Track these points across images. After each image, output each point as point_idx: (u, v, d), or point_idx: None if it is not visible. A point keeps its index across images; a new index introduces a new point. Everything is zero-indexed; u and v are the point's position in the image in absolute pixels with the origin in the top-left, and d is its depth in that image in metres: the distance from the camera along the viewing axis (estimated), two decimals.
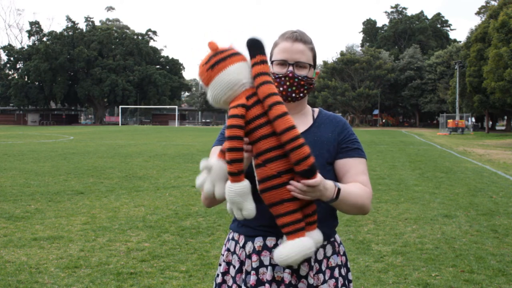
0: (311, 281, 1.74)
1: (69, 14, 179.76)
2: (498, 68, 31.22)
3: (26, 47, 75.58)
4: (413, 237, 5.85)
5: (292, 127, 1.50)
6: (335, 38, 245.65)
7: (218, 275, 1.90)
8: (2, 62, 77.34)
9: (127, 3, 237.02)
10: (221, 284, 1.87)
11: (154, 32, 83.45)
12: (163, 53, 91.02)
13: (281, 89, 1.78)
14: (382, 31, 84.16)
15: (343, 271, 1.86)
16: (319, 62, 76.32)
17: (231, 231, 1.92)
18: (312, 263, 1.76)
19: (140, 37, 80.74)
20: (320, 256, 1.79)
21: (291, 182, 1.52)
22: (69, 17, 76.38)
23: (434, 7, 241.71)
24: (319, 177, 1.53)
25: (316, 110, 1.94)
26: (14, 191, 8.92)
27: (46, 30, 77.67)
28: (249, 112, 1.54)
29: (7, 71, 75.72)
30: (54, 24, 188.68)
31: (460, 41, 70.07)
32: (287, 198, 1.54)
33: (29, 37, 76.12)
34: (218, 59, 1.56)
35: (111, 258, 4.90)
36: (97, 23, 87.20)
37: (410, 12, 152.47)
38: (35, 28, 75.69)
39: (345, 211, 1.75)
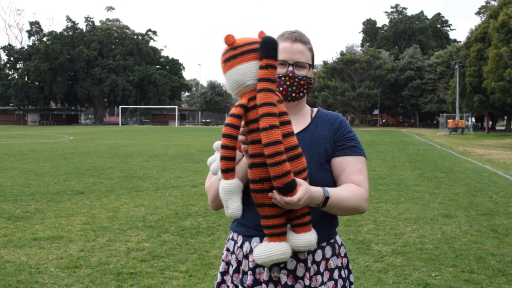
0: (307, 282, 1.73)
1: (69, 14, 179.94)
2: (498, 68, 31.22)
3: (26, 47, 75.61)
4: (413, 237, 5.85)
5: (275, 142, 1.48)
6: (335, 38, 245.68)
7: (218, 274, 1.91)
8: (2, 62, 77.35)
9: (127, 3, 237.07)
10: (221, 284, 1.87)
11: (154, 32, 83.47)
12: (163, 53, 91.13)
13: (281, 89, 1.79)
14: (382, 31, 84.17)
15: (343, 273, 1.85)
16: (319, 62, 76.34)
17: (231, 231, 1.92)
18: (309, 265, 1.75)
19: (140, 37, 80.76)
20: (318, 257, 1.78)
21: (273, 192, 1.53)
22: (69, 17, 76.44)
23: (434, 7, 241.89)
24: (298, 194, 1.50)
25: (315, 109, 1.95)
26: (14, 191, 8.92)
27: (46, 30, 77.77)
28: (248, 113, 1.55)
29: (7, 71, 75.74)
30: (54, 24, 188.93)
31: (460, 41, 70.11)
32: (268, 203, 1.56)
33: (29, 37, 76.15)
34: (230, 56, 1.57)
35: (111, 258, 4.90)
36: (97, 23, 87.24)
37: (410, 12, 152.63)
38: (35, 28, 75.70)
39: (338, 214, 1.75)
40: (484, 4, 58.40)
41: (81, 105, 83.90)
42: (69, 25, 76.09)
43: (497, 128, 63.29)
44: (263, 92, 1.52)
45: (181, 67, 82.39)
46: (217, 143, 1.65)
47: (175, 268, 4.62)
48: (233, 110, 1.55)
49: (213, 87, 74.96)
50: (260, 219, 1.61)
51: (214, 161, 1.69)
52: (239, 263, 1.81)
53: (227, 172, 1.56)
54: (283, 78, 1.79)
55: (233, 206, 1.57)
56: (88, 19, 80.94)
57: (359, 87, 68.33)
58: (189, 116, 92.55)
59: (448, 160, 15.90)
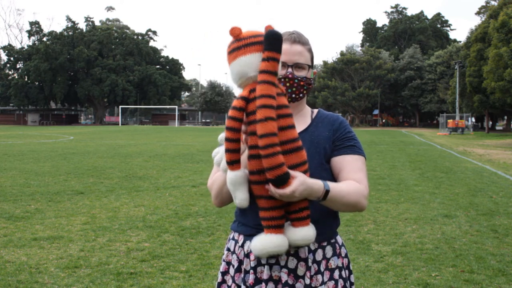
0: (308, 281, 1.74)
1: (69, 14, 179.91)
2: (498, 68, 31.21)
3: (26, 47, 75.61)
4: (413, 237, 5.85)
5: (268, 134, 1.49)
6: (335, 38, 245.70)
7: (219, 274, 1.91)
8: (2, 62, 77.35)
9: (127, 3, 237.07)
10: (221, 284, 1.87)
11: (154, 32, 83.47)
12: (163, 53, 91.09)
13: None
14: (382, 31, 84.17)
15: (344, 273, 1.85)
16: (319, 62, 76.35)
17: (232, 231, 1.93)
18: (310, 264, 1.75)
19: (140, 37, 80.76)
20: (319, 257, 1.79)
21: (269, 184, 1.54)
22: (69, 17, 76.44)
23: (434, 7, 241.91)
24: (291, 187, 1.51)
25: (315, 110, 1.95)
26: (14, 191, 8.92)
27: (46, 30, 77.75)
28: (248, 105, 1.56)
29: (7, 71, 75.74)
30: (54, 24, 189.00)
31: (460, 41, 70.11)
32: (265, 195, 1.58)
33: (29, 37, 76.15)
34: (234, 47, 1.58)
35: (111, 258, 4.90)
36: (97, 23, 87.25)
37: (410, 12, 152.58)
38: (35, 28, 75.70)
39: (337, 209, 1.74)
40: (484, 4, 58.42)
41: (81, 105, 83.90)
42: (69, 25, 76.10)
43: (497, 128, 63.29)
44: (262, 84, 1.53)
45: (181, 67, 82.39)
46: (222, 136, 1.66)
47: (175, 268, 4.62)
48: (235, 103, 1.56)
49: (213, 87, 74.96)
50: (259, 211, 1.62)
51: (218, 153, 1.72)
52: (241, 262, 1.81)
53: (232, 164, 1.58)
54: (282, 80, 1.79)
55: (240, 197, 1.60)
56: (88, 19, 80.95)
57: (359, 87, 68.33)
58: (189, 116, 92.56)
59: (448, 160, 15.90)
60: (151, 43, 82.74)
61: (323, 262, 1.79)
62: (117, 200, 8.15)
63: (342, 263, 1.86)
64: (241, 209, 1.85)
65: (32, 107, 76.08)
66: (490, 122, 56.12)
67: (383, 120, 75.33)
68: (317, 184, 1.59)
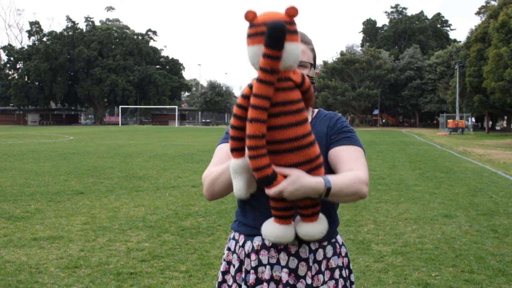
0: (309, 281, 1.74)
1: (69, 14, 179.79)
2: (498, 68, 31.22)
3: (26, 47, 75.60)
4: (413, 237, 5.85)
5: (252, 136, 1.46)
6: (335, 38, 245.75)
7: (219, 274, 1.91)
8: (2, 62, 77.35)
9: (127, 3, 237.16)
10: (222, 283, 1.88)
11: (154, 32, 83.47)
12: (163, 53, 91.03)
13: None
14: (382, 31, 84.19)
15: (344, 273, 1.86)
16: (319, 62, 76.35)
17: (232, 231, 1.93)
18: (311, 264, 1.76)
19: (140, 37, 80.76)
20: (319, 256, 1.79)
21: None
22: (69, 17, 76.42)
23: (434, 7, 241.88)
24: (277, 187, 1.50)
25: (316, 110, 1.96)
26: (14, 191, 8.92)
27: (46, 30, 77.75)
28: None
29: (7, 71, 75.74)
30: (54, 24, 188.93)
31: (460, 41, 70.12)
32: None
33: (29, 37, 76.15)
34: (247, 33, 1.51)
35: (111, 258, 4.90)
36: (97, 23, 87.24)
37: (410, 12, 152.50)
38: (35, 28, 75.70)
39: (339, 201, 1.72)
40: (484, 4, 58.42)
41: (81, 105, 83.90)
42: (69, 25, 76.09)
43: (497, 128, 63.30)
44: (256, 82, 1.48)
45: (181, 67, 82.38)
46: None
47: (175, 268, 4.62)
48: (244, 90, 1.54)
49: (213, 87, 74.97)
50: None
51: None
52: (241, 262, 1.81)
53: (234, 151, 1.56)
54: None
55: (236, 186, 1.58)
56: (88, 19, 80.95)
57: (359, 87, 68.35)
58: (189, 116, 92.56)
59: (448, 160, 15.90)
60: (151, 43, 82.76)
61: (324, 262, 1.80)
62: (117, 200, 8.15)
63: (343, 263, 1.87)
64: (241, 208, 1.86)
65: (32, 107, 76.07)
66: (490, 122, 56.11)
67: (383, 120, 75.34)
68: (317, 182, 1.55)
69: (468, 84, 42.18)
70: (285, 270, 1.73)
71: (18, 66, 75.02)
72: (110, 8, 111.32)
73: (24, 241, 5.48)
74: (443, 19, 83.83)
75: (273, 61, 1.44)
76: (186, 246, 5.37)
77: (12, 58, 74.55)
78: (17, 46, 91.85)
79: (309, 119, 1.89)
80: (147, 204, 7.76)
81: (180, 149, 20.25)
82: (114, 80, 72.45)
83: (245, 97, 1.51)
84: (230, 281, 1.84)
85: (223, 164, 1.72)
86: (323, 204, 1.67)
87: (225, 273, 1.88)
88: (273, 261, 1.74)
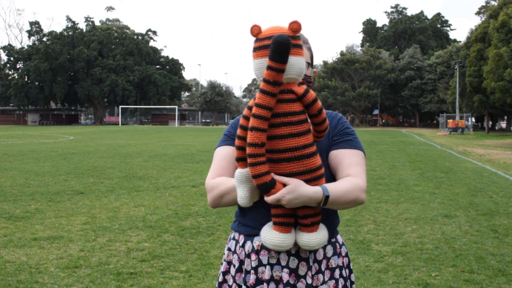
0: (309, 281, 1.74)
1: (69, 14, 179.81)
2: (498, 68, 31.22)
3: (26, 47, 75.61)
4: (413, 237, 5.85)
5: (253, 144, 1.50)
6: (335, 38, 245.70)
7: (219, 274, 1.91)
8: (2, 62, 77.35)
9: (127, 3, 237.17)
10: (222, 284, 1.88)
11: (154, 32, 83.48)
12: (163, 53, 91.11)
13: None
14: (382, 31, 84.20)
15: (344, 273, 1.86)
16: (319, 62, 76.34)
17: (232, 231, 1.93)
18: (311, 263, 1.76)
19: (140, 37, 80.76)
20: (319, 256, 1.79)
21: None
22: (69, 17, 76.43)
23: (434, 7, 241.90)
24: (275, 195, 1.54)
25: None
26: (14, 191, 8.92)
27: (46, 30, 77.76)
28: None
29: (7, 71, 75.73)
30: (54, 24, 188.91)
31: (460, 41, 70.13)
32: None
33: (29, 37, 76.14)
34: (254, 47, 1.57)
35: (111, 258, 4.90)
36: (97, 23, 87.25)
37: (410, 12, 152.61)
38: (35, 28, 75.71)
39: (338, 208, 1.74)
40: (484, 4, 58.41)
41: (81, 105, 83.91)
42: (69, 25, 76.10)
43: (497, 128, 63.30)
44: (259, 93, 1.53)
45: (181, 67, 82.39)
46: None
47: (175, 268, 4.62)
48: (250, 102, 1.58)
49: (213, 87, 74.98)
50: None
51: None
52: (241, 262, 1.82)
53: (239, 161, 1.60)
54: None
55: (240, 195, 1.61)
56: (88, 19, 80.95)
57: (359, 87, 68.35)
58: (189, 116, 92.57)
59: (448, 160, 15.90)
60: (151, 43, 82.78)
61: (324, 262, 1.80)
62: (117, 200, 8.16)
63: (343, 262, 1.87)
64: (241, 209, 1.86)
65: (32, 107, 76.08)
66: (490, 122, 56.12)
67: (383, 120, 75.34)
68: (315, 191, 1.58)
69: (468, 84, 42.18)
70: (285, 270, 1.74)
71: (18, 66, 75.02)
72: (110, 8, 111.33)
73: (24, 241, 5.48)
74: (443, 19, 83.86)
75: (276, 73, 1.49)
76: (186, 246, 5.37)
77: (12, 58, 74.56)
78: (17, 46, 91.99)
79: None
80: (147, 204, 7.76)
81: (180, 149, 20.25)
82: (114, 80, 72.45)
83: (250, 108, 1.56)
84: (231, 281, 1.84)
85: (233, 180, 1.72)
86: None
87: (225, 273, 1.88)
88: (273, 261, 1.75)
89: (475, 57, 40.04)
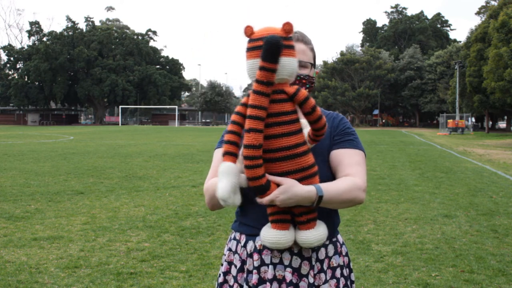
0: (311, 280, 1.75)
1: (69, 14, 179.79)
2: (498, 68, 31.22)
3: (26, 47, 75.60)
4: (413, 237, 5.85)
5: (249, 146, 1.50)
6: (335, 38, 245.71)
7: (220, 274, 1.91)
8: (2, 62, 77.34)
9: (127, 3, 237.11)
10: (223, 284, 1.87)
11: (154, 32, 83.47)
12: (163, 53, 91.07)
13: None
14: (382, 31, 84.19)
15: (345, 272, 1.87)
16: (319, 62, 76.34)
17: (232, 231, 1.93)
18: (313, 263, 1.77)
19: (140, 37, 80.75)
20: (321, 255, 1.80)
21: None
22: (69, 17, 76.43)
23: (434, 7, 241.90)
24: (269, 196, 1.55)
25: None
26: (14, 191, 8.92)
27: (46, 30, 77.76)
28: None
29: (7, 71, 75.73)
30: (54, 24, 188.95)
31: (460, 41, 70.12)
32: None
33: (29, 37, 76.14)
34: (247, 47, 1.59)
35: (111, 258, 4.90)
36: (97, 23, 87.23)
37: (410, 12, 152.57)
38: (35, 28, 75.69)
39: (335, 208, 1.75)
40: (484, 4, 58.42)
41: (81, 105, 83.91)
42: (69, 25, 76.09)
43: (497, 127, 63.31)
44: (253, 94, 1.54)
45: (181, 67, 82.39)
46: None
47: (175, 268, 4.62)
48: (243, 99, 1.60)
49: (213, 87, 74.96)
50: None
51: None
52: (243, 262, 1.82)
53: (226, 155, 1.58)
54: None
55: (220, 186, 1.55)
56: (88, 19, 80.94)
57: (359, 87, 68.34)
58: (189, 116, 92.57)
59: (448, 160, 15.90)
60: (151, 43, 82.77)
61: (326, 261, 1.81)
62: (117, 200, 8.16)
63: (343, 262, 1.88)
64: (242, 209, 1.86)
65: (32, 107, 76.07)
66: (490, 122, 56.11)
67: (383, 120, 75.33)
68: (308, 191, 1.58)
69: (468, 84, 42.18)
70: (288, 269, 1.74)
71: (18, 66, 75.01)
72: (110, 8, 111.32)
73: (24, 241, 5.48)
74: (443, 19, 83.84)
75: (268, 73, 1.51)
76: (186, 246, 5.37)
77: (12, 58, 74.55)
78: (17, 46, 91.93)
79: None
80: (147, 204, 7.76)
81: (180, 149, 20.25)
82: (114, 80, 72.45)
83: (243, 105, 1.57)
84: (232, 282, 1.84)
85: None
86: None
87: (226, 273, 1.88)
88: (276, 260, 1.75)
89: (475, 57, 40.04)
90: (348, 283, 1.87)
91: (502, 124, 71.33)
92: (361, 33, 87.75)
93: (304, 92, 1.58)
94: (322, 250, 1.80)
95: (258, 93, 1.53)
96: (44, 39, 73.91)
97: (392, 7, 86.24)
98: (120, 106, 72.83)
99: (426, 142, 28.14)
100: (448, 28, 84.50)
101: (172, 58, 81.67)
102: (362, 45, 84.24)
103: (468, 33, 50.29)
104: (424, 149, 21.58)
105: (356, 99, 67.69)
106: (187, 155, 16.92)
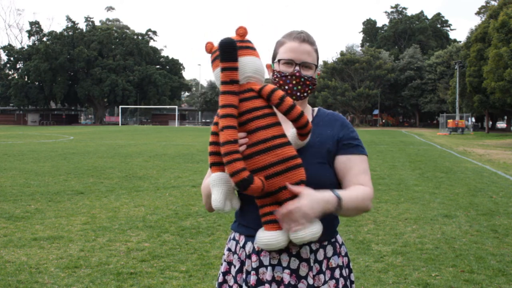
0: (310, 281, 1.74)
1: (69, 14, 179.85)
2: (498, 68, 31.22)
3: (26, 47, 75.60)
4: (413, 237, 5.85)
5: (226, 142, 1.54)
6: (335, 38, 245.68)
7: (219, 274, 1.91)
8: (2, 62, 77.34)
9: (127, 3, 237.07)
10: (222, 284, 1.87)
11: (154, 32, 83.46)
12: (163, 53, 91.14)
13: (286, 87, 1.82)
14: (382, 31, 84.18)
15: (344, 272, 1.86)
16: (319, 62, 76.22)
17: (232, 231, 1.93)
18: (312, 264, 1.76)
19: (140, 37, 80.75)
20: (320, 256, 1.79)
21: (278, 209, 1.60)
22: (69, 17, 76.44)
23: (434, 7, 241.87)
24: (293, 205, 1.56)
25: (316, 109, 1.96)
26: (14, 191, 8.92)
27: (46, 30, 77.76)
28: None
29: (7, 71, 75.73)
30: (54, 24, 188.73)
31: (460, 41, 70.12)
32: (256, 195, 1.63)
33: (29, 37, 76.14)
34: (211, 60, 1.67)
35: (111, 258, 4.90)
36: (97, 23, 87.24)
37: (410, 12, 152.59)
38: (35, 28, 75.69)
39: (347, 216, 1.78)
40: (484, 4, 58.43)
41: (81, 105, 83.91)
42: (69, 25, 76.09)
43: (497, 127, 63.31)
44: (221, 95, 1.61)
45: (181, 67, 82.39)
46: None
47: (175, 268, 4.62)
48: (215, 119, 1.68)
49: (213, 87, 75.00)
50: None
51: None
52: (242, 263, 1.81)
53: (212, 166, 1.67)
54: (289, 77, 1.81)
55: (213, 197, 1.64)
56: (88, 19, 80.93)
57: (359, 87, 68.33)
58: (189, 116, 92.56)
59: (448, 160, 15.90)
60: (151, 43, 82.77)
61: (324, 262, 1.80)
62: (117, 200, 8.15)
63: (343, 262, 1.87)
64: (241, 209, 1.86)
65: (32, 107, 76.07)
66: (490, 122, 56.11)
67: (383, 120, 75.32)
68: (327, 195, 1.62)
69: (468, 84, 42.18)
70: (286, 271, 1.74)
71: (18, 66, 75.01)
72: (110, 8, 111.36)
73: (24, 241, 5.48)
74: (443, 19, 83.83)
75: (229, 72, 1.59)
76: (186, 246, 5.37)
77: (12, 58, 74.55)
78: (17, 46, 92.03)
79: (310, 119, 1.89)
80: (147, 204, 7.76)
81: (180, 149, 20.25)
82: (114, 80, 72.44)
83: (216, 124, 1.66)
84: (231, 282, 1.84)
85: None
86: None
87: (225, 273, 1.88)
88: (275, 262, 1.75)
89: (475, 57, 40.04)
90: (348, 283, 1.86)
91: (502, 124, 71.31)
92: (361, 33, 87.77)
93: (270, 86, 1.64)
94: (321, 251, 1.80)
95: (225, 92, 1.59)
96: (44, 39, 73.92)
97: (392, 7, 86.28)
98: (120, 106, 72.83)
99: (426, 142, 28.14)
100: (448, 28, 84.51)
101: (172, 58, 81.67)
102: (362, 45, 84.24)
103: (468, 33, 50.31)
104: (424, 149, 21.58)
105: (356, 99, 67.68)
106: (187, 155, 16.93)
